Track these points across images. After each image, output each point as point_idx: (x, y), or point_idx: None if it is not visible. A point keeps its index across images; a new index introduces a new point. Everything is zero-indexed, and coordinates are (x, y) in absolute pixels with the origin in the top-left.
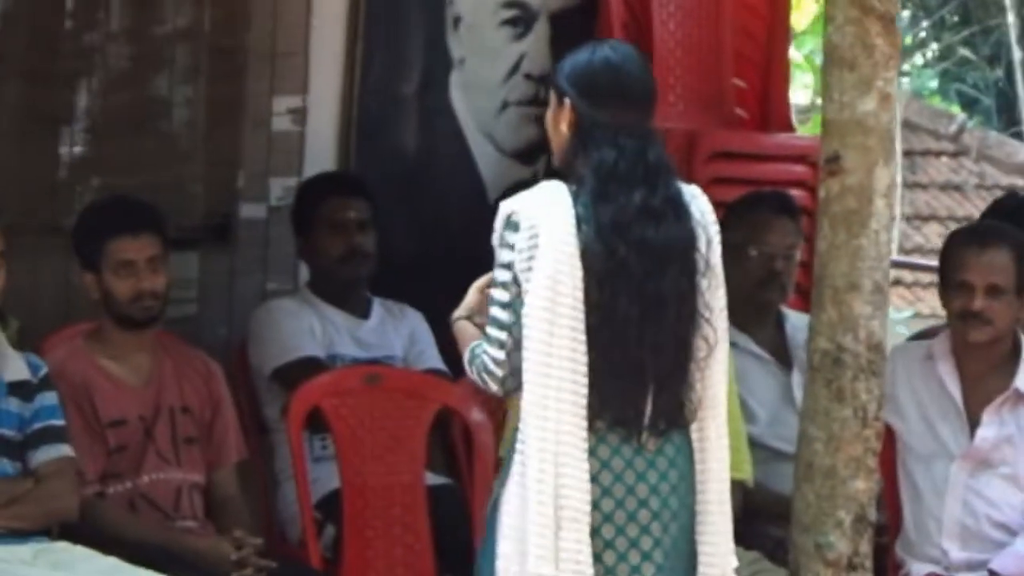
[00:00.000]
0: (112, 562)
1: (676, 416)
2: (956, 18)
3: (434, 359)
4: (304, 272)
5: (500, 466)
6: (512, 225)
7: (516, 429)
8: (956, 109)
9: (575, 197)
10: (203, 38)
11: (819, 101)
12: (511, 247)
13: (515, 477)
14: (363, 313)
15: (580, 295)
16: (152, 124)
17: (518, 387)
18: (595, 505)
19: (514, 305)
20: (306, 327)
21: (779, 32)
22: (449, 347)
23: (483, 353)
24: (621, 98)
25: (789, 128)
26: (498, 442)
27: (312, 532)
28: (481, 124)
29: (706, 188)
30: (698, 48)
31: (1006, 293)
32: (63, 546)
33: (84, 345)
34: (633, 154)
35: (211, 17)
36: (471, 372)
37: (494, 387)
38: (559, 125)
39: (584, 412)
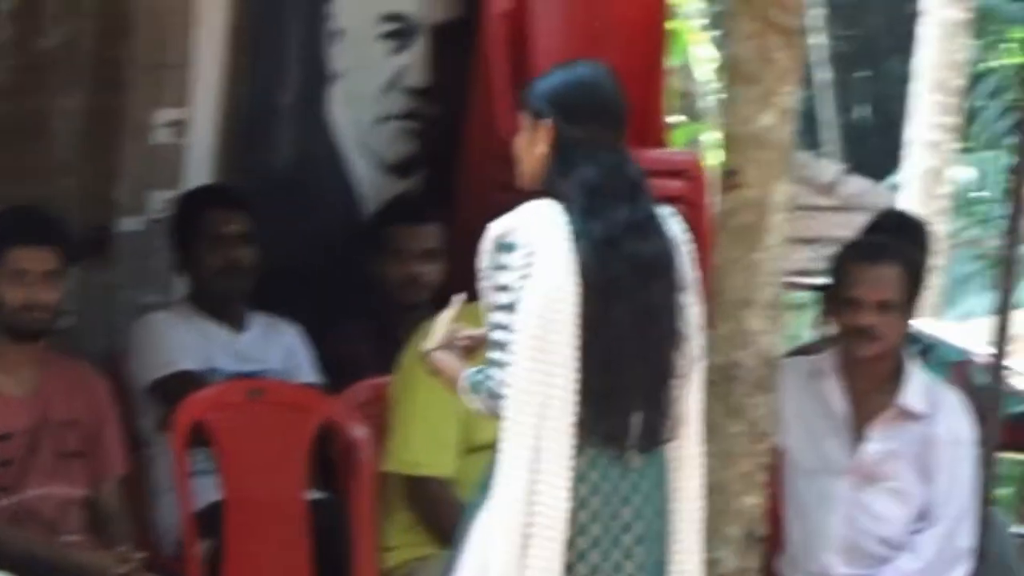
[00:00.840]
0: None
1: (660, 432)
2: None
3: (311, 374)
4: (180, 285)
5: (384, 480)
6: (505, 247)
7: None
8: None
9: (568, 214)
10: (83, 49)
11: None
12: (506, 268)
13: (490, 491)
14: (241, 326)
15: (577, 311)
16: (31, 136)
17: None
18: (583, 530)
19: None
20: (184, 340)
21: (655, 49)
22: (324, 361)
23: (488, 379)
24: (599, 115)
25: (663, 144)
26: (380, 457)
27: (194, 546)
28: (359, 137)
29: None
30: None
31: (895, 309)
32: None
33: None
34: (614, 170)
35: (92, 28)
36: (473, 400)
37: None
38: (534, 147)
39: (571, 431)
